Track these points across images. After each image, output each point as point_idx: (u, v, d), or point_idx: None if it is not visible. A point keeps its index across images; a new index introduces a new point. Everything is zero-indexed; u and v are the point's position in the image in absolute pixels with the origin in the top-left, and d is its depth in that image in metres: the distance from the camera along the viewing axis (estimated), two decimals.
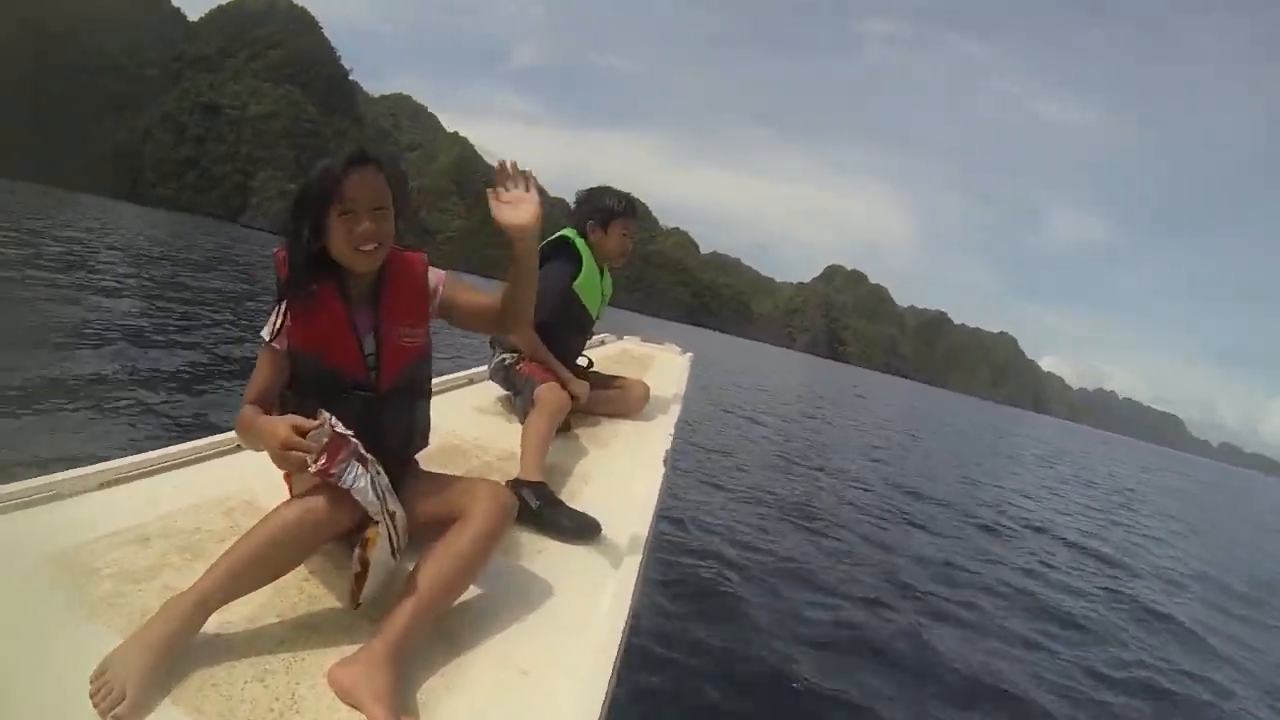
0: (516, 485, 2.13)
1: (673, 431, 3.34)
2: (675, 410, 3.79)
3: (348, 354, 1.62)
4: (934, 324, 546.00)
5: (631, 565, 1.90)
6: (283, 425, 1.39)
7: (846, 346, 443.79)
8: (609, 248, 3.35)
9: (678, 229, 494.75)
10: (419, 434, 1.82)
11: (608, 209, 3.29)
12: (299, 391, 1.62)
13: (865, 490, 9.36)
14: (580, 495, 2.39)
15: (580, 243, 3.25)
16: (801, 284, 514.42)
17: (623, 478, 2.65)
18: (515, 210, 1.61)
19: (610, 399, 3.42)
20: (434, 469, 1.88)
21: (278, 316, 1.58)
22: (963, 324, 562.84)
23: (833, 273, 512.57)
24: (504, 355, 3.13)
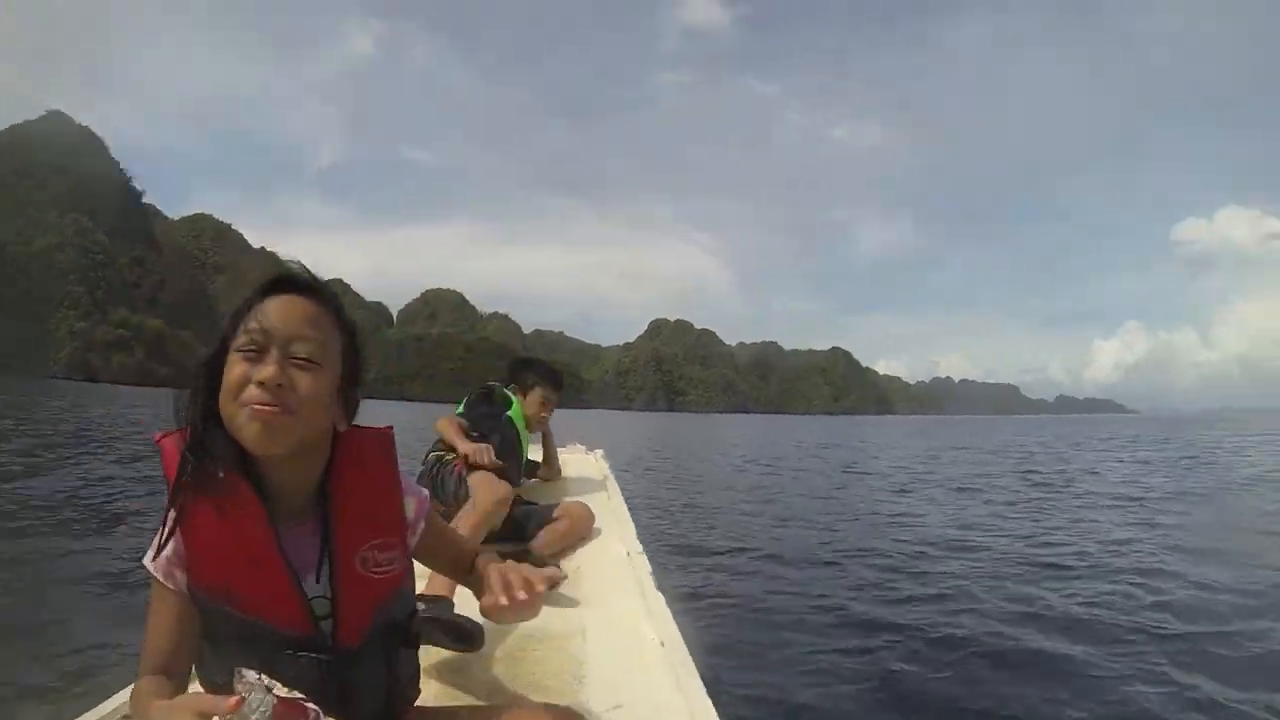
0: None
1: (638, 548, 3.11)
2: (624, 516, 3.58)
3: (279, 601, 1.10)
4: (766, 355, 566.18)
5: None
6: (186, 715, 0.87)
7: (684, 395, 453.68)
8: (528, 410, 3.63)
9: (497, 314, 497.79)
10: (408, 685, 1.33)
11: (526, 380, 3.66)
12: (217, 641, 1.11)
13: (747, 519, 9.83)
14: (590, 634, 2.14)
15: (514, 400, 3.56)
16: (628, 344, 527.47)
17: (606, 603, 2.40)
18: (522, 612, 1.17)
19: (559, 533, 3.11)
20: None
21: (164, 534, 1.08)
22: (794, 349, 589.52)
23: (658, 326, 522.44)
24: (438, 452, 3.16)
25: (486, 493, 2.63)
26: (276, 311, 1.06)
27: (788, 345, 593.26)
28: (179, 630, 1.08)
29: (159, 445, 1.09)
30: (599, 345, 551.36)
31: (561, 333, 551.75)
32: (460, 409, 3.37)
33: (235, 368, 1.03)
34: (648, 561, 2.76)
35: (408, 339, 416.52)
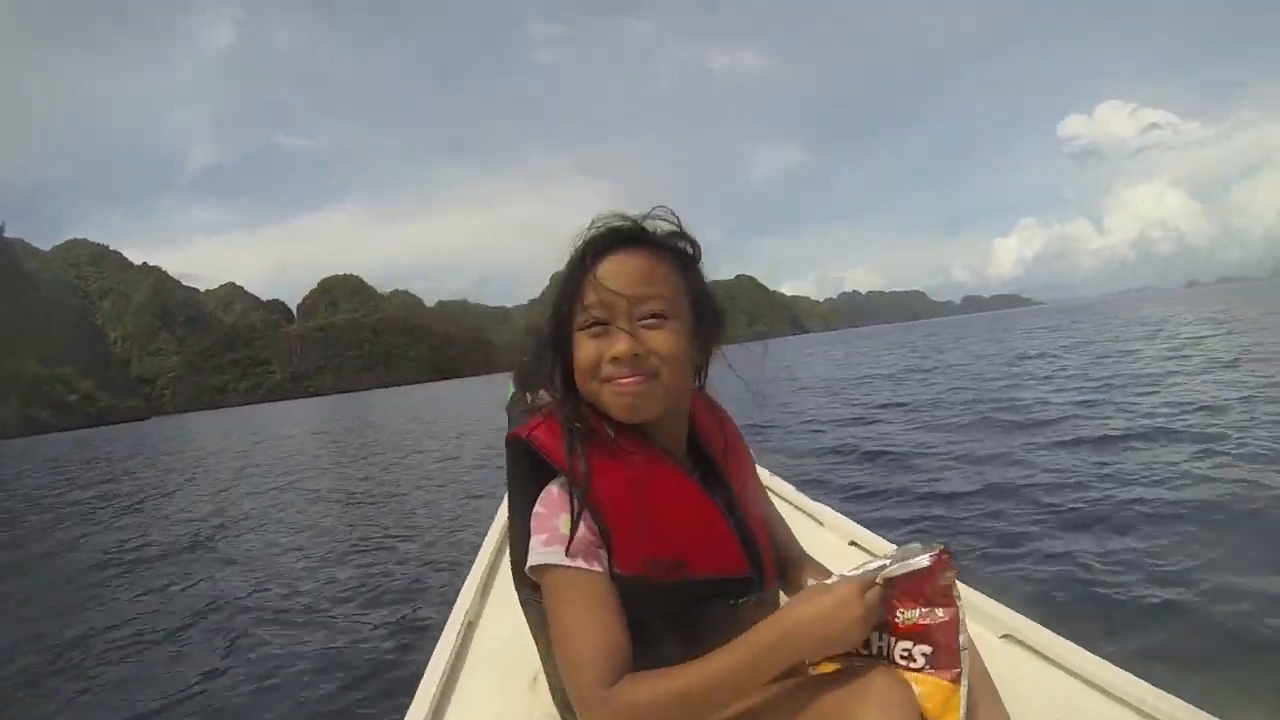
0: None
1: None
2: None
3: (725, 549, 1.03)
4: None
5: None
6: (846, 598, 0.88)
7: None
8: None
9: (398, 290, 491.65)
10: None
11: None
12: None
13: None
14: None
15: None
16: (534, 300, 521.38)
17: None
18: None
19: None
20: None
21: (573, 516, 0.95)
22: None
23: (559, 279, 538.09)
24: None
25: None
26: (611, 278, 0.97)
27: None
28: (620, 619, 0.93)
29: (529, 438, 1.00)
30: (505, 307, 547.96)
31: (465, 300, 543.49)
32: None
33: (584, 347, 0.99)
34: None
35: (310, 332, 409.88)
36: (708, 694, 0.87)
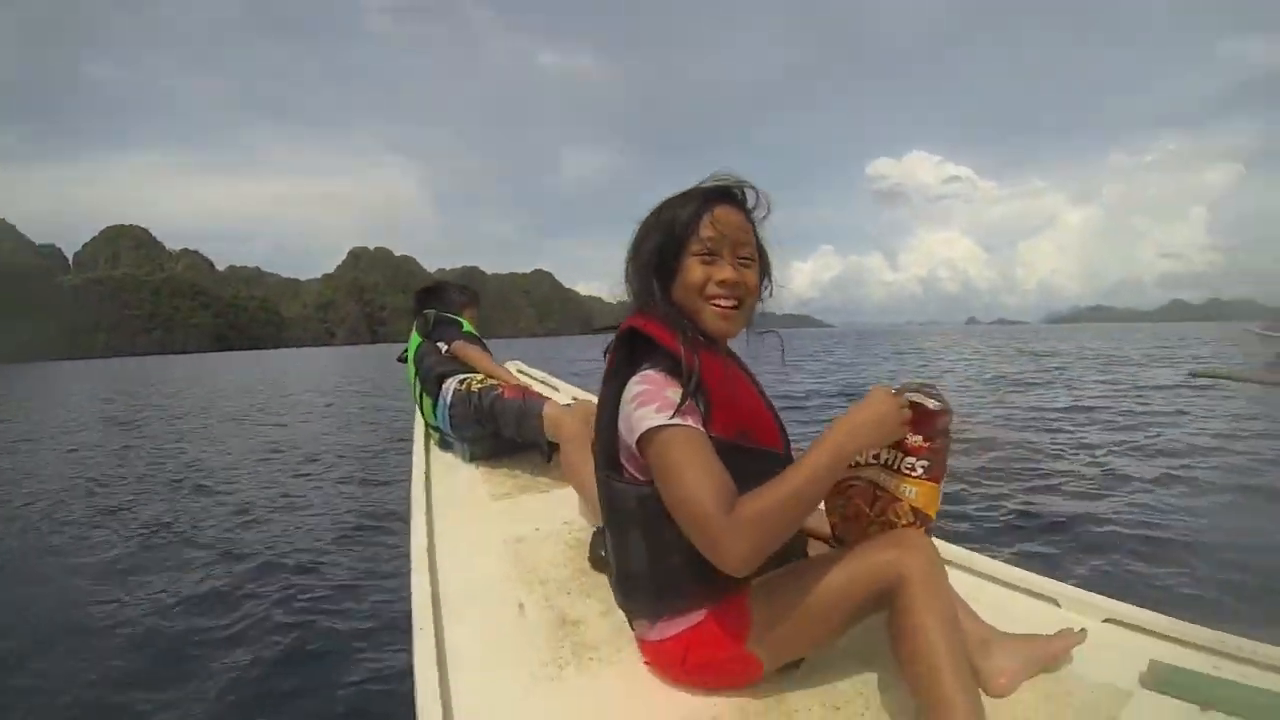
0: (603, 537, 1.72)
1: None
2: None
3: (774, 430, 1.30)
4: (468, 279, 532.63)
5: None
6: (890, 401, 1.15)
7: (386, 325, 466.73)
8: (468, 319, 3.76)
9: (188, 250, 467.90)
10: None
11: (469, 295, 3.66)
12: None
13: None
14: None
15: (463, 320, 3.55)
16: (328, 275, 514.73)
17: None
18: None
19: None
20: None
21: (687, 390, 1.17)
22: (495, 273, 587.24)
23: (357, 255, 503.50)
24: (461, 375, 2.97)
25: (580, 419, 2.40)
26: (724, 221, 1.26)
27: (489, 269, 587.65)
28: (721, 465, 1.13)
29: (643, 327, 1.24)
30: (298, 279, 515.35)
31: (258, 268, 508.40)
32: (417, 337, 3.29)
33: (696, 270, 1.26)
34: None
35: (87, 285, 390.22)
36: (810, 488, 1.09)
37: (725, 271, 1.25)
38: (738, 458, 1.16)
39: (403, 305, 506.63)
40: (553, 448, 2.57)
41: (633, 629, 1.39)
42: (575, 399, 3.29)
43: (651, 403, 1.16)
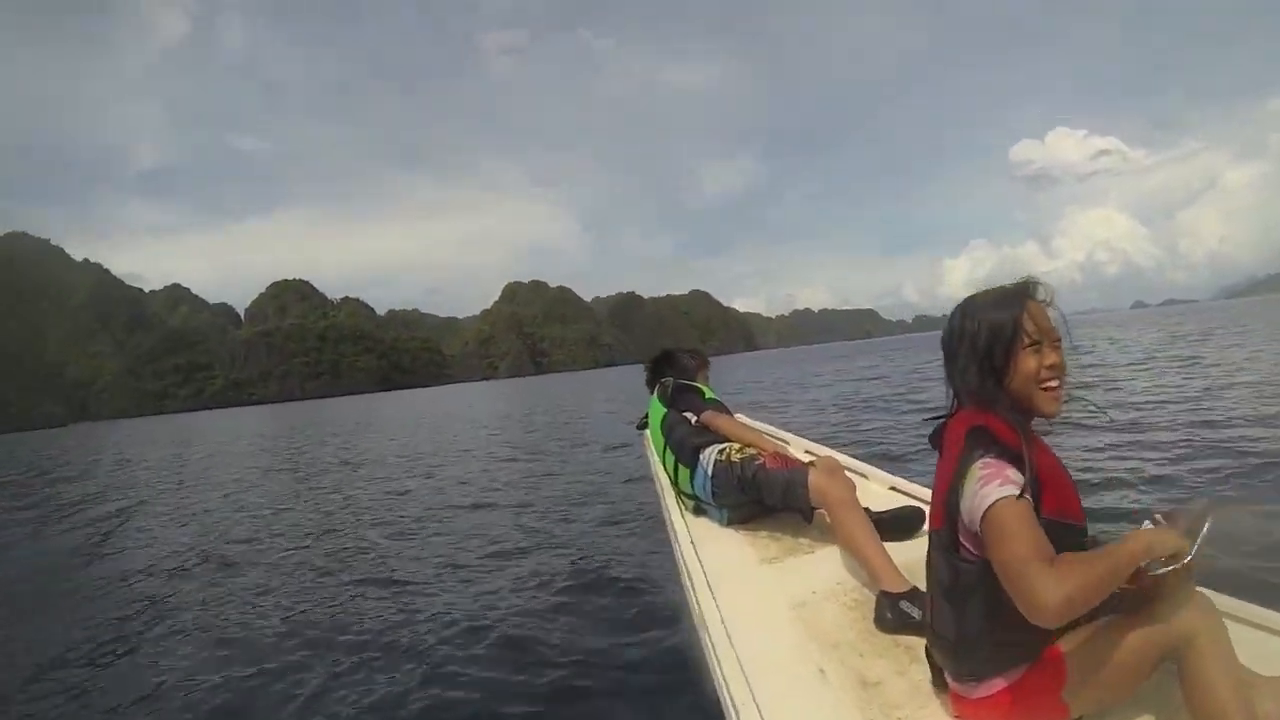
0: (890, 601, 2.00)
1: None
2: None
3: (1077, 502, 1.47)
4: (626, 305, 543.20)
5: None
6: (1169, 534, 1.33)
7: (549, 357, 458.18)
8: (702, 384, 3.82)
9: (348, 298, 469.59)
10: None
11: (699, 359, 4.02)
12: None
13: None
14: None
15: (697, 385, 3.70)
16: (485, 311, 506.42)
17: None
18: None
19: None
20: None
21: (1027, 475, 1.34)
22: (653, 296, 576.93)
23: (513, 290, 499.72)
24: (718, 445, 3.01)
25: (843, 488, 2.47)
26: (1037, 314, 1.43)
27: (646, 293, 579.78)
28: (1044, 536, 1.31)
29: (989, 426, 1.39)
30: (455, 318, 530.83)
31: (416, 310, 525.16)
32: (662, 404, 3.45)
33: (1029, 361, 1.41)
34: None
35: (256, 337, 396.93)
36: (1111, 574, 1.26)
37: (1053, 357, 1.41)
38: (1055, 531, 1.33)
39: (562, 335, 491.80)
40: (812, 510, 2.65)
41: (951, 685, 1.55)
42: (809, 452, 3.70)
43: (995, 480, 1.33)
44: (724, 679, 1.75)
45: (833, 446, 3.92)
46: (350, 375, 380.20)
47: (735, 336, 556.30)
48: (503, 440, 16.79)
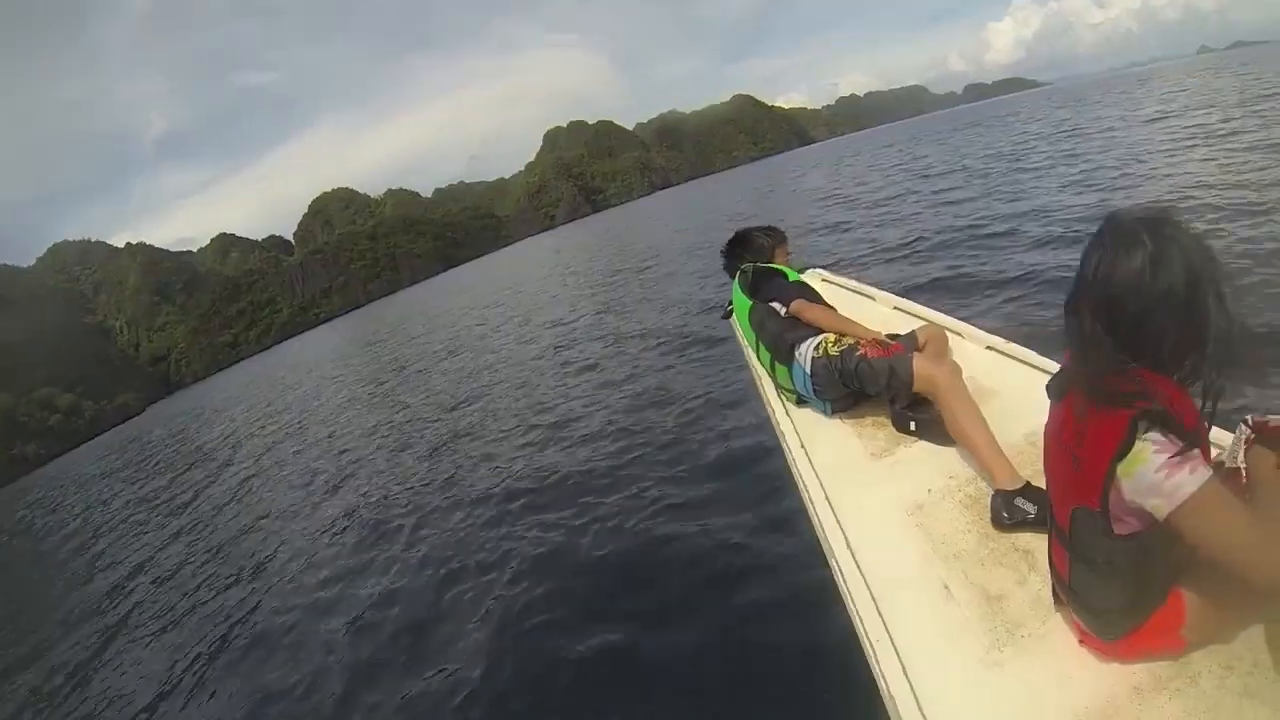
0: (1005, 499, 1.99)
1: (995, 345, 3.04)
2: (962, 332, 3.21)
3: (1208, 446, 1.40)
4: (670, 124, 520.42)
5: None
6: None
7: (604, 193, 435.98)
8: (782, 262, 3.67)
9: (391, 190, 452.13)
10: None
11: (776, 236, 3.72)
12: None
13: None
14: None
15: (777, 266, 3.52)
16: (529, 164, 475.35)
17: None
18: None
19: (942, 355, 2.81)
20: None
21: (1197, 448, 1.26)
22: (694, 110, 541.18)
23: (553, 136, 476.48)
24: (813, 340, 2.89)
25: (953, 374, 2.39)
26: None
27: (687, 109, 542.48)
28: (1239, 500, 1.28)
29: (1164, 404, 1.26)
30: (503, 178, 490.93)
31: (461, 182, 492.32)
32: (745, 293, 3.30)
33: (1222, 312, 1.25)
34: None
35: (308, 258, 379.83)
36: None
37: None
38: None
39: (612, 169, 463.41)
40: (917, 397, 2.57)
41: (1079, 629, 1.57)
42: (899, 309, 3.60)
43: (1182, 467, 1.23)
44: (853, 601, 1.82)
45: (919, 299, 3.68)
46: (408, 264, 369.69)
47: (785, 134, 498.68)
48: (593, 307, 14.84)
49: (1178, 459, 1.23)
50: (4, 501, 44.57)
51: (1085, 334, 1.33)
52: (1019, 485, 1.99)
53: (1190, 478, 1.23)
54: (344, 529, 6.76)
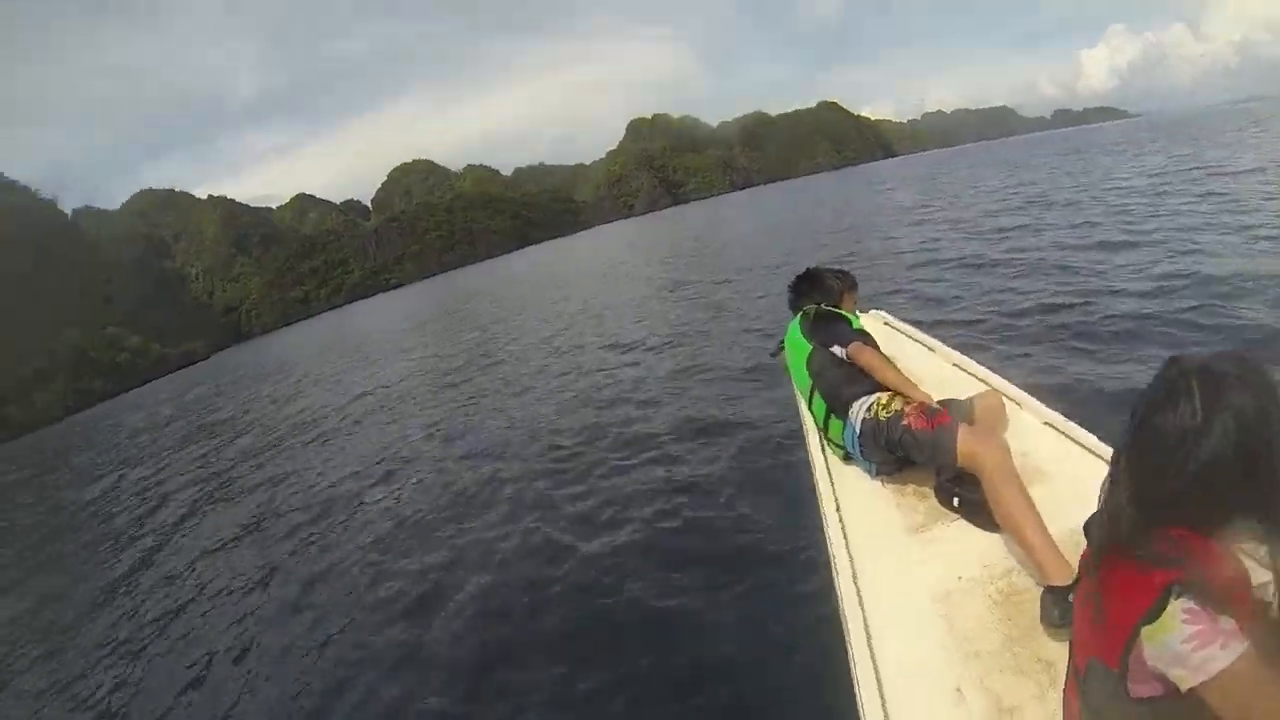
0: (1058, 597, 1.79)
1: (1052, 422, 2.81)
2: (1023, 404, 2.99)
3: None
4: (755, 125, 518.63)
5: None
6: None
7: (684, 187, 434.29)
8: (848, 309, 3.54)
9: (471, 165, 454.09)
10: None
11: (847, 280, 3.61)
12: None
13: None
14: None
15: (842, 312, 3.38)
16: (611, 152, 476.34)
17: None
18: None
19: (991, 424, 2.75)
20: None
21: (1229, 621, 1.14)
22: (780, 113, 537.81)
23: (637, 126, 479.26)
24: (867, 399, 2.77)
25: (1003, 453, 2.23)
26: None
27: (774, 112, 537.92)
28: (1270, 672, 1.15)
29: (1202, 570, 1.14)
30: (583, 164, 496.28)
31: (542, 164, 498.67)
32: (804, 334, 3.17)
33: None
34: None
35: (385, 225, 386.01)
36: None
37: None
38: None
39: (694, 164, 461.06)
40: (965, 474, 2.41)
41: None
42: (958, 368, 3.50)
43: (1213, 640, 1.13)
44: (860, 687, 1.77)
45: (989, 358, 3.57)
46: (484, 239, 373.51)
47: (870, 145, 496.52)
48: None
49: (1206, 629, 1.14)
50: (60, 434, 50.20)
51: (1119, 485, 1.26)
52: (1070, 580, 1.76)
53: (1222, 653, 1.13)
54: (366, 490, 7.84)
